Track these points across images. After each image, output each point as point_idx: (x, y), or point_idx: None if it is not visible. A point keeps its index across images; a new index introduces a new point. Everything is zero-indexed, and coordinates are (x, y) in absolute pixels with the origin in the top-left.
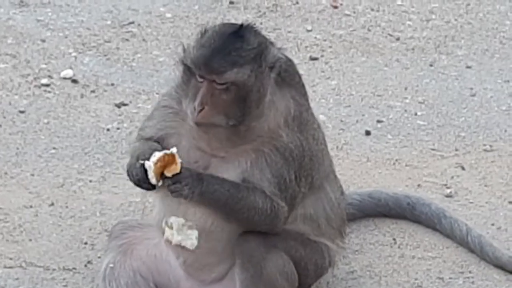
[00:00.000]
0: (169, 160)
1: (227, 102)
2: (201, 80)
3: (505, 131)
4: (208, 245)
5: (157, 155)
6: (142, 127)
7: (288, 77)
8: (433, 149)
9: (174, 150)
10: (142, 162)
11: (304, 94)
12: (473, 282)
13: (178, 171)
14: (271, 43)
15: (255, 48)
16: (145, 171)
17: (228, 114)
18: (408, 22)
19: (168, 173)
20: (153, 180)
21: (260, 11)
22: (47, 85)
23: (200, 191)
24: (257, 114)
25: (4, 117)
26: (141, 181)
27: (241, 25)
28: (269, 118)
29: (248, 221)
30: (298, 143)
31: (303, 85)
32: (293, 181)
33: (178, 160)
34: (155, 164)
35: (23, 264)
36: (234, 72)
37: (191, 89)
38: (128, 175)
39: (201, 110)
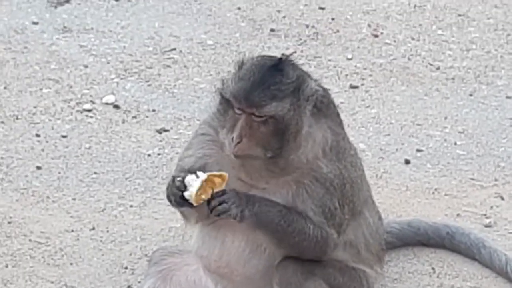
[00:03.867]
0: (207, 185)
1: (265, 135)
2: (239, 112)
3: None
4: (246, 273)
5: (195, 185)
6: (181, 157)
7: (324, 107)
8: (472, 179)
9: (204, 176)
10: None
11: (340, 123)
12: None
13: (222, 187)
14: (309, 75)
15: (293, 81)
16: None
17: (266, 146)
18: (448, 52)
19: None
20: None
21: (300, 39)
22: (89, 110)
23: (251, 211)
24: (294, 146)
25: (47, 142)
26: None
27: (280, 59)
28: (307, 149)
29: (299, 246)
30: (337, 172)
31: (338, 114)
32: (337, 208)
33: (222, 179)
34: (196, 194)
35: None
36: (274, 106)
37: (228, 120)
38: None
39: (239, 142)
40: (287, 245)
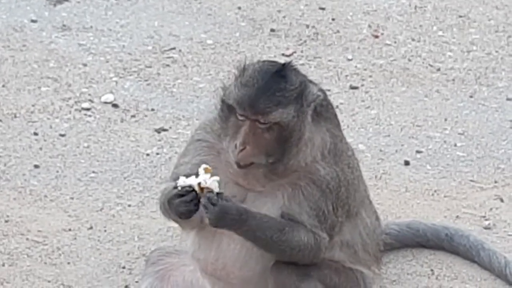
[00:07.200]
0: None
1: (268, 141)
2: (242, 119)
3: None
4: (242, 275)
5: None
6: (177, 165)
7: (324, 109)
8: (472, 181)
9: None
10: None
11: (338, 125)
12: None
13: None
14: (310, 80)
15: (297, 88)
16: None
17: (269, 152)
18: (449, 53)
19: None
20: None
21: (301, 39)
22: (88, 109)
23: (241, 228)
24: (296, 151)
25: (45, 140)
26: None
27: (283, 64)
28: (306, 153)
29: (291, 256)
30: (334, 175)
31: (336, 115)
32: (331, 212)
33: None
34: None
35: (61, 287)
36: (279, 112)
37: (231, 127)
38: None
39: (242, 149)
40: (279, 255)
